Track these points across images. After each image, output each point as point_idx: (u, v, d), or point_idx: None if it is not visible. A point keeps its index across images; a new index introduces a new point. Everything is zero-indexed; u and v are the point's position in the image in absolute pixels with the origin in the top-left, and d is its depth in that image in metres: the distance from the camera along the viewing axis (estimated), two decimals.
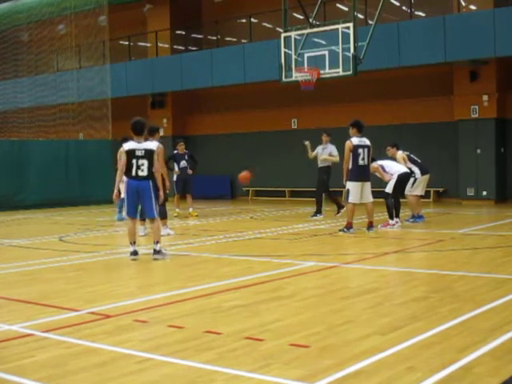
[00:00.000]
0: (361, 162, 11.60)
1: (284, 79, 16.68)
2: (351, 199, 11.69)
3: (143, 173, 9.08)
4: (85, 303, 6.31)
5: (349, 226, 11.82)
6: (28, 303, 6.44)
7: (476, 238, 11.01)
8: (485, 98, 18.83)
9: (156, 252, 9.23)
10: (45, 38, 25.89)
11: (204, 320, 5.55)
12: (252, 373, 4.09)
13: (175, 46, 25.21)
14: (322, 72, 15.82)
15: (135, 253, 9.20)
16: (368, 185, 11.82)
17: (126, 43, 25.86)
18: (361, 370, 4.11)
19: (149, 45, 25.81)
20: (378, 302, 6.17)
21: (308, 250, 10.00)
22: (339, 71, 15.66)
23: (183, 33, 25.52)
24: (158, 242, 9.25)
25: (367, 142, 11.81)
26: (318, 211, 14.92)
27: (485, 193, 18.98)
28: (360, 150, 11.60)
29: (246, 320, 5.50)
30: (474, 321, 5.31)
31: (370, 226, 11.98)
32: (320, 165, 14.87)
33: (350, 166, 11.60)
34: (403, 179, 12.76)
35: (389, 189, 12.67)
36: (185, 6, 25.02)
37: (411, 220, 13.40)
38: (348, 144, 11.65)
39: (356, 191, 11.64)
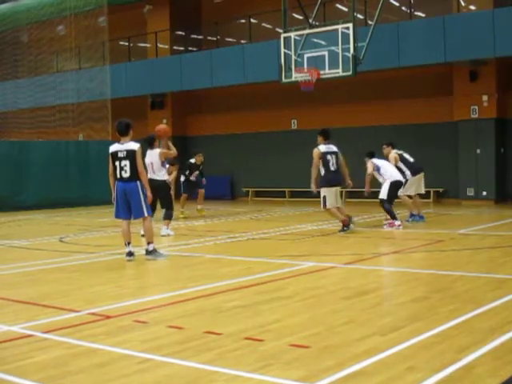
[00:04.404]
0: (332, 168, 11.83)
1: (284, 80, 16.67)
2: (329, 205, 11.79)
3: (126, 174, 9.02)
4: (85, 304, 6.31)
5: (345, 224, 11.86)
6: (28, 304, 6.44)
7: (476, 238, 11.01)
8: (485, 98, 18.84)
9: (148, 252, 9.25)
10: (44, 38, 25.91)
11: (204, 320, 5.56)
12: (252, 373, 4.10)
13: (175, 47, 25.22)
14: (321, 72, 15.81)
15: (130, 254, 9.17)
16: (339, 189, 12.04)
17: (126, 44, 25.88)
18: (361, 370, 4.11)
19: (149, 45, 25.82)
20: (377, 302, 6.17)
21: (308, 250, 10.00)
22: (339, 71, 15.65)
23: (183, 33, 25.53)
24: (150, 243, 9.26)
25: (334, 148, 12.03)
26: None
27: (485, 193, 18.98)
28: (329, 157, 11.84)
29: (246, 320, 5.50)
30: (474, 321, 5.31)
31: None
32: None
33: (323, 173, 11.79)
34: (396, 186, 12.80)
35: (383, 195, 12.75)
36: (184, 6, 25.03)
37: (410, 219, 13.41)
38: (316, 152, 11.87)
39: (331, 196, 11.81)
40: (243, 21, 23.10)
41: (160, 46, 24.84)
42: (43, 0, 25.38)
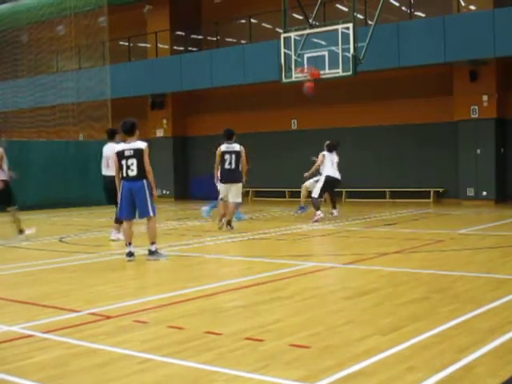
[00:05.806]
0: (227, 167, 12.62)
1: (284, 80, 16.68)
2: (220, 197, 12.87)
3: (133, 172, 9.03)
4: (85, 304, 6.31)
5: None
6: (28, 304, 6.44)
7: (476, 238, 11.02)
8: (485, 98, 18.84)
9: (150, 253, 9.24)
10: (44, 38, 25.91)
11: (204, 320, 5.56)
12: (252, 373, 4.10)
13: (175, 47, 25.22)
14: (321, 72, 15.82)
15: (130, 254, 9.17)
16: (236, 186, 12.72)
17: (126, 44, 25.87)
18: (361, 370, 4.11)
19: (149, 45, 25.82)
20: (377, 302, 6.17)
21: (308, 250, 10.01)
22: (339, 71, 15.65)
23: (183, 34, 25.53)
24: (153, 243, 9.25)
25: (236, 147, 12.72)
26: None
27: (485, 193, 18.98)
28: (227, 156, 12.61)
29: (246, 320, 5.50)
30: (474, 321, 5.31)
31: (228, 223, 12.80)
32: None
33: (220, 170, 12.75)
34: (328, 183, 14.26)
35: (315, 193, 14.21)
36: (184, 6, 25.02)
37: (299, 212, 15.30)
38: (217, 151, 12.75)
39: (222, 191, 12.77)
40: (243, 21, 23.10)
41: (160, 46, 24.83)
42: (43, 0, 25.38)
